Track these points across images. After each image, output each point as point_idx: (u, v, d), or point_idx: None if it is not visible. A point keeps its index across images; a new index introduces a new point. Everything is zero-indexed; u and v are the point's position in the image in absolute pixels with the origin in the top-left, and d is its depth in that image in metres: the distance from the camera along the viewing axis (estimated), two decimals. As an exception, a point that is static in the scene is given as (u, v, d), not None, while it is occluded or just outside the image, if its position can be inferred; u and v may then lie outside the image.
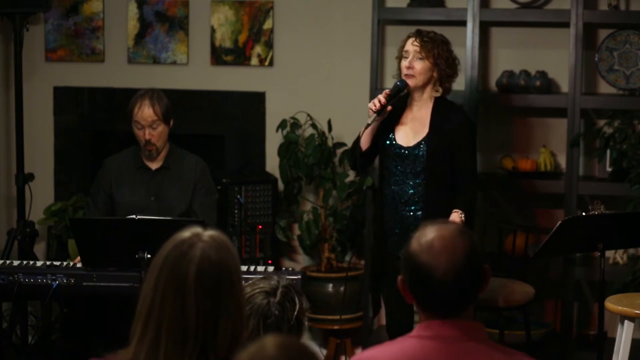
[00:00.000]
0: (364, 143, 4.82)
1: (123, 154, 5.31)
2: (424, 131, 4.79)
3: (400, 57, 4.83)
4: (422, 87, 4.79)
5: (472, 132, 4.87)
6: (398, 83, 4.77)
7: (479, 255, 2.46)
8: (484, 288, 2.48)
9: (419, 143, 4.77)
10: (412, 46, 4.77)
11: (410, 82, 4.76)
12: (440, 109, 4.79)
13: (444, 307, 2.45)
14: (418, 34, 4.80)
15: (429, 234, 2.46)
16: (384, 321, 5.21)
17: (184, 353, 2.27)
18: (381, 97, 4.72)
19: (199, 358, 2.26)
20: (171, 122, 5.17)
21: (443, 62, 4.76)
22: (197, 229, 2.36)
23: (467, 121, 4.85)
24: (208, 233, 2.35)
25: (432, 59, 4.74)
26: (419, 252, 2.44)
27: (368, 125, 4.74)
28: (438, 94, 4.80)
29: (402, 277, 2.49)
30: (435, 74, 4.77)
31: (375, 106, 4.71)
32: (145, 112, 5.09)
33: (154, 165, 5.23)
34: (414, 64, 4.74)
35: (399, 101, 4.85)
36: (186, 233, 2.35)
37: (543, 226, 5.77)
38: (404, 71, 4.76)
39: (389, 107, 4.73)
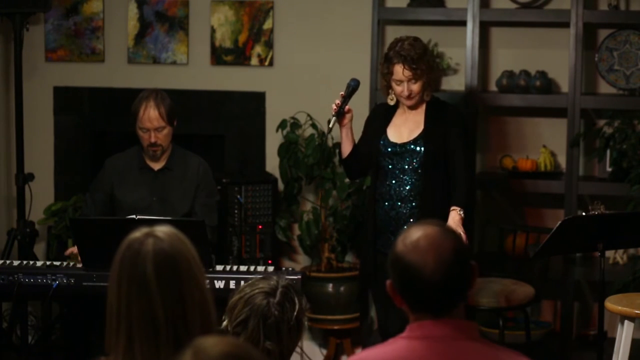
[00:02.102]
0: (344, 151, 4.89)
1: (125, 153, 5.29)
2: (418, 129, 4.82)
3: (388, 80, 4.82)
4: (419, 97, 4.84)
5: (466, 130, 4.93)
6: (352, 83, 4.80)
7: (465, 253, 2.46)
8: (472, 285, 2.48)
9: (415, 139, 4.80)
10: (403, 75, 4.77)
11: (410, 103, 4.80)
12: (434, 108, 4.85)
13: (434, 306, 2.44)
14: (404, 60, 4.75)
15: (413, 234, 2.46)
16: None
17: (158, 347, 2.31)
18: (337, 101, 4.76)
19: (175, 348, 2.28)
20: (175, 123, 5.17)
21: (431, 72, 4.82)
22: (148, 228, 2.40)
23: (461, 119, 4.89)
24: (159, 229, 2.40)
25: (425, 75, 4.78)
26: (406, 253, 2.44)
27: (330, 130, 4.79)
28: (428, 98, 4.84)
29: (390, 281, 2.49)
30: (427, 83, 4.82)
31: (333, 111, 4.75)
32: (151, 114, 5.06)
33: (156, 166, 5.21)
34: (411, 88, 4.77)
35: (383, 106, 4.90)
36: (137, 233, 2.40)
37: (543, 226, 5.77)
38: (403, 95, 4.78)
39: (347, 107, 4.76)
